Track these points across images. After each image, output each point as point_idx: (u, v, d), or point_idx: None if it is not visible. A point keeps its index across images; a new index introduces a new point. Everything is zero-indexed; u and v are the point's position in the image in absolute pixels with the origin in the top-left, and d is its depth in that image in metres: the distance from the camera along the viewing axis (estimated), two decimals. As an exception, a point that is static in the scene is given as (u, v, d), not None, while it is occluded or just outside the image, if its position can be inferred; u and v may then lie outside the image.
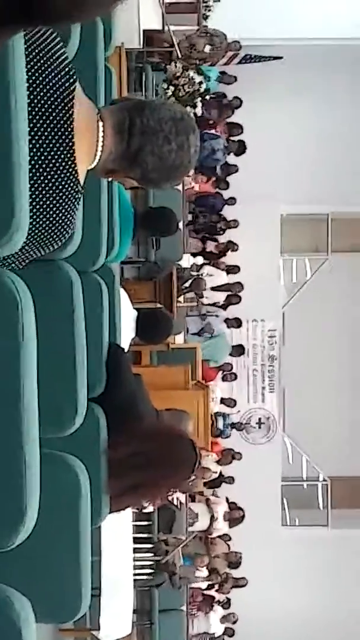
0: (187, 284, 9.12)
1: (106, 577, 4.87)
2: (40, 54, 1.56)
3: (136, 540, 6.45)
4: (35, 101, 1.54)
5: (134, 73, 8.32)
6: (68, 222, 1.63)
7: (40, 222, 1.59)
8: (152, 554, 7.82)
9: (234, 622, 10.82)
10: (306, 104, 12.14)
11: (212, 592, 10.56)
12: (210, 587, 10.43)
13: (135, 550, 5.92)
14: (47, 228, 1.61)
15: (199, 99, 8.74)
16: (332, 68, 11.91)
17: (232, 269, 11.61)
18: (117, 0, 0.86)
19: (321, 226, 12.77)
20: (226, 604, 10.76)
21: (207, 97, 9.49)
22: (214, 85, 10.76)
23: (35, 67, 1.55)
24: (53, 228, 1.61)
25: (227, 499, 10.71)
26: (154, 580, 7.92)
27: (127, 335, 3.98)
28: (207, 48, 9.91)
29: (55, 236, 1.63)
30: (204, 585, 10.29)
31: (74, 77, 1.59)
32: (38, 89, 1.54)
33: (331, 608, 12.01)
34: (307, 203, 12.28)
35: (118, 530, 4.78)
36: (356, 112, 12.16)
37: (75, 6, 0.84)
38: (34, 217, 1.57)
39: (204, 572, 9.98)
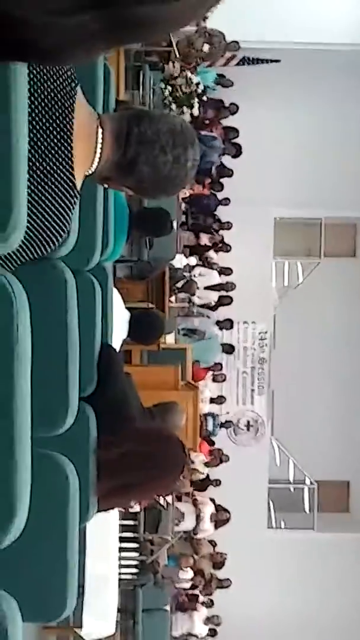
0: (179, 285, 9.12)
1: (90, 576, 4.87)
2: None
3: (122, 539, 6.45)
4: (36, 103, 1.54)
5: (132, 72, 8.33)
6: (63, 226, 1.63)
7: (36, 225, 1.59)
8: (137, 554, 7.82)
9: (218, 624, 10.83)
10: (302, 108, 12.17)
11: (196, 592, 10.56)
12: (194, 587, 10.44)
13: (120, 550, 5.92)
14: (42, 230, 1.61)
15: (196, 99, 8.74)
16: (328, 73, 11.93)
17: (225, 270, 11.63)
18: (103, 50, 0.85)
19: (314, 230, 12.80)
20: (210, 604, 10.76)
21: (205, 97, 9.50)
22: (211, 87, 10.78)
23: (37, 70, 1.54)
24: (48, 231, 1.61)
25: (213, 501, 10.72)
26: (138, 580, 7.92)
27: (118, 335, 3.97)
28: (206, 47, 9.93)
29: (49, 239, 1.63)
30: (187, 585, 10.30)
31: (76, 81, 1.59)
32: (39, 92, 1.54)
33: (315, 611, 12.04)
34: (300, 207, 12.31)
35: (104, 529, 4.78)
36: (352, 118, 12.19)
37: (64, 51, 0.84)
38: (30, 218, 1.57)
39: (188, 573, 9.99)
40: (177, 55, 9.12)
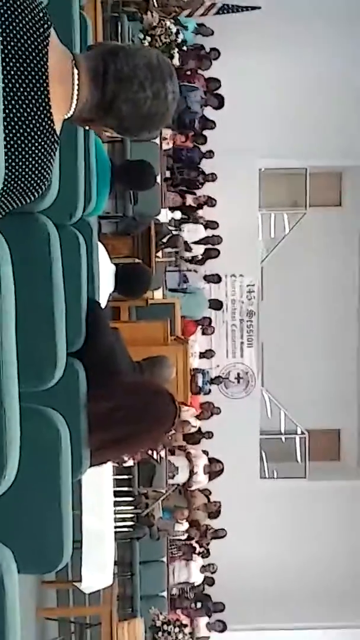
0: (165, 240, 9.07)
1: (87, 530, 4.93)
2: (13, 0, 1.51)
3: (117, 493, 6.52)
4: (9, 47, 1.49)
5: (110, 23, 8.16)
6: (45, 173, 1.60)
7: (16, 173, 1.56)
8: (132, 507, 7.92)
9: (214, 572, 11.03)
10: (285, 57, 11.96)
11: (192, 543, 10.73)
12: (189, 539, 10.60)
13: (116, 504, 5.99)
14: (23, 178, 1.57)
15: (176, 49, 8.59)
16: (310, 19, 11.72)
17: (211, 224, 11.57)
18: None
19: (299, 181, 12.72)
20: (206, 554, 10.95)
21: (184, 47, 9.33)
22: (190, 37, 10.59)
23: (8, 13, 1.50)
24: (29, 178, 1.58)
25: (206, 453, 10.83)
26: (134, 533, 8.03)
27: (105, 289, 3.96)
28: (184, -4, 9.74)
29: (32, 187, 1.60)
30: (183, 537, 10.46)
31: (49, 22, 1.55)
32: (11, 35, 1.50)
33: (308, 558, 12.27)
34: (285, 157, 12.20)
35: (99, 483, 4.82)
36: (336, 65, 12.02)
37: None
38: (10, 167, 1.53)
39: (183, 525, 10.13)
40: (156, 5, 8.94)
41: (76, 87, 1.61)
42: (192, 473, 10.29)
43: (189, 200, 11.52)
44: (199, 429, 10.91)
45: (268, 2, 11.12)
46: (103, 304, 3.85)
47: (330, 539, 12.41)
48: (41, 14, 1.54)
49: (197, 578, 10.76)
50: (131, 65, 1.63)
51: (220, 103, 11.12)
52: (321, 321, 12.78)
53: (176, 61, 8.59)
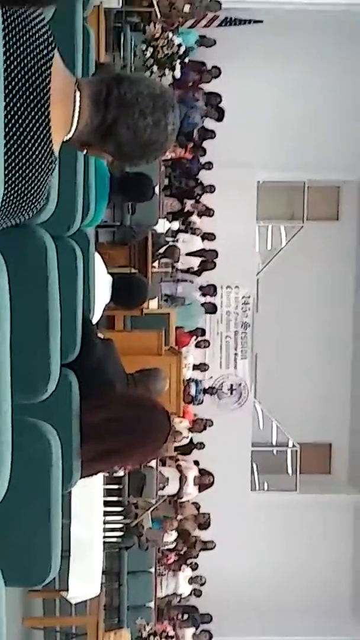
0: (161, 250, 9.08)
1: (76, 540, 4.92)
2: (18, 20, 1.52)
3: (106, 503, 6.50)
4: (12, 68, 1.50)
5: (113, 33, 8.18)
6: (41, 192, 1.60)
7: (14, 192, 1.57)
8: (122, 517, 7.89)
9: (202, 584, 11.00)
10: (286, 70, 12.03)
11: (181, 553, 10.70)
12: (178, 550, 10.57)
13: (105, 513, 5.97)
14: (20, 198, 1.58)
15: (178, 61, 8.61)
16: (311, 34, 11.78)
17: (208, 236, 11.58)
18: None
19: (297, 194, 12.76)
20: (195, 567, 10.91)
21: (187, 60, 9.36)
22: (193, 48, 10.63)
23: (13, 34, 1.51)
24: (26, 198, 1.59)
25: (197, 464, 10.81)
26: (123, 543, 8.00)
27: (101, 300, 3.96)
28: (187, 7, 9.77)
29: (28, 206, 1.61)
30: (172, 547, 10.42)
31: (53, 44, 1.56)
32: (15, 56, 1.51)
33: (297, 571, 12.25)
34: (283, 170, 12.25)
35: (88, 493, 4.81)
36: (334, 79, 12.08)
37: None
38: (8, 186, 1.54)
39: (172, 536, 10.11)
40: (159, 16, 8.97)
41: (77, 110, 1.61)
42: (182, 484, 10.27)
43: (188, 205, 11.52)
44: (191, 439, 10.90)
45: (270, 16, 11.17)
46: (99, 315, 3.85)
47: (320, 552, 12.40)
48: (46, 36, 1.55)
49: (184, 589, 10.72)
50: (134, 92, 1.64)
51: (220, 116, 11.16)
52: (315, 334, 12.79)
53: (177, 73, 8.62)
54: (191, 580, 10.82)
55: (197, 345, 11.68)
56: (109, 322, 7.24)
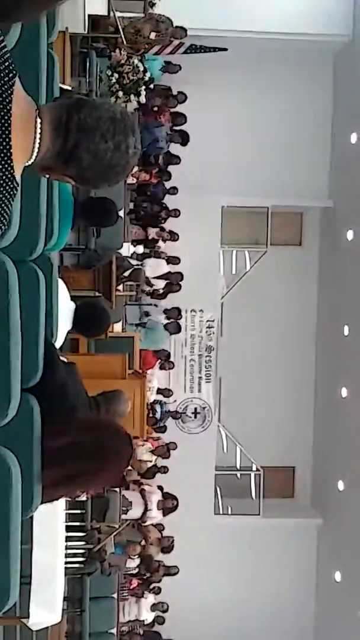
0: (126, 274, 9.10)
1: (37, 565, 4.86)
2: None
3: (69, 528, 6.45)
4: None
5: (78, 58, 8.24)
6: (1, 218, 1.61)
7: None
8: (84, 542, 7.83)
9: (165, 611, 10.90)
10: (250, 97, 12.22)
11: (143, 579, 10.61)
12: (141, 575, 10.48)
13: (67, 538, 5.92)
14: None
15: (143, 87, 8.69)
16: (275, 62, 11.99)
17: (173, 260, 11.64)
18: (54, 2, 0.84)
19: (261, 219, 12.89)
20: (157, 591, 10.83)
21: (152, 86, 9.45)
22: (157, 75, 10.74)
23: None
24: None
25: (161, 488, 10.76)
26: (85, 568, 7.93)
27: (63, 327, 3.95)
28: (153, 35, 9.87)
29: None
30: (134, 573, 10.34)
31: (14, 72, 1.57)
32: None
33: (262, 595, 12.22)
34: (247, 196, 12.37)
35: (50, 518, 4.77)
36: (297, 107, 12.29)
37: (17, 7, 0.83)
38: None
39: (135, 561, 10.03)
40: (124, 42, 9.05)
41: (38, 136, 1.63)
42: (146, 509, 10.21)
43: (152, 233, 11.59)
44: (155, 463, 10.86)
45: (234, 45, 11.33)
46: (61, 341, 3.84)
47: (283, 575, 12.39)
48: (6, 63, 1.57)
49: (147, 616, 10.63)
50: (95, 117, 1.65)
51: (184, 140, 11.26)
52: (279, 358, 12.87)
53: (143, 98, 8.69)
54: (154, 607, 10.73)
55: (162, 367, 11.67)
56: (73, 346, 7.22)
